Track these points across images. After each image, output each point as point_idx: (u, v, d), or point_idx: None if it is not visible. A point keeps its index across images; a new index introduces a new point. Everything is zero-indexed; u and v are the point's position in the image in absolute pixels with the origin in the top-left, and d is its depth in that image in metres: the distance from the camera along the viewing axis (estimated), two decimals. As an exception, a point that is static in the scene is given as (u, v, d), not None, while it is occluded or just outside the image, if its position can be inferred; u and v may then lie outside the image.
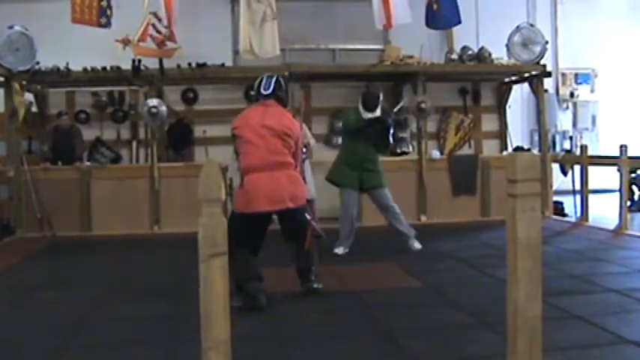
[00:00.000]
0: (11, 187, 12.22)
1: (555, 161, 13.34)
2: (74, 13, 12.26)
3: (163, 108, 12.43)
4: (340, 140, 14.44)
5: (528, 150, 14.73)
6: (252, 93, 7.39)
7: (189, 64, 12.81)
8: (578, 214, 12.41)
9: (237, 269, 6.31)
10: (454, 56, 14.02)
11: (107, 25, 12.37)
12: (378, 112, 9.57)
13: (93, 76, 12.78)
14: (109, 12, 12.36)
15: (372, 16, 13.20)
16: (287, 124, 6.96)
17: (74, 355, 5.29)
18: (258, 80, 7.12)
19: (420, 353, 5.10)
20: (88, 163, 12.66)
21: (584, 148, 12.31)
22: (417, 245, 9.81)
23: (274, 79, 7.08)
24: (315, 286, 7.12)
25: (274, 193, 6.67)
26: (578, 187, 12.43)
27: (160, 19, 12.45)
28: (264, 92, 7.01)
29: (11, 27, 11.96)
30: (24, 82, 12.25)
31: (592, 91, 18.24)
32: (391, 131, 9.59)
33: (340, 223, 9.80)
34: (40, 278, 8.43)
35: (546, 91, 14.53)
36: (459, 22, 13.80)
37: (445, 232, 11.39)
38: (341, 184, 9.72)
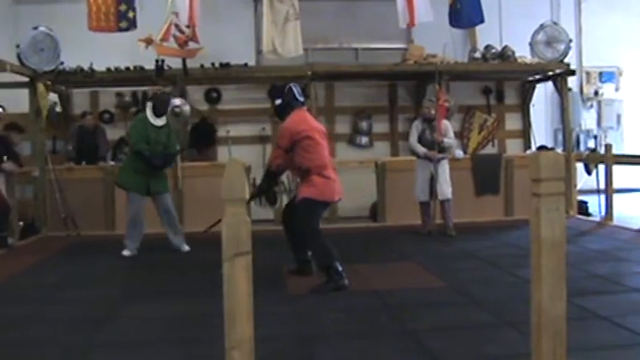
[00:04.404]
0: (36, 186, 12.31)
1: (579, 160, 13.26)
2: (91, 21, 12.37)
3: (187, 108, 12.47)
4: (363, 140, 14.49)
5: (552, 149, 14.63)
6: (280, 100, 7.74)
7: (213, 64, 12.88)
8: (603, 213, 12.32)
9: (330, 250, 7.42)
10: (477, 55, 13.98)
11: (129, 28, 12.47)
12: (164, 120, 10.12)
13: (116, 76, 12.89)
14: (130, 14, 12.43)
15: (395, 15, 13.17)
16: None
17: (96, 353, 5.33)
18: (289, 87, 7.80)
19: (444, 352, 5.09)
20: (111, 163, 12.73)
21: (608, 147, 12.22)
22: (186, 247, 10.22)
23: (300, 87, 7.94)
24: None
25: (339, 186, 7.81)
26: (602, 186, 12.35)
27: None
28: (301, 99, 7.85)
29: (36, 28, 12.07)
30: (48, 83, 12.33)
31: (617, 89, 18.07)
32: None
33: (127, 226, 10.09)
34: (64, 277, 8.50)
35: (570, 89, 14.42)
36: (482, 21, 13.76)
37: (468, 231, 11.33)
38: (129, 189, 10.00)
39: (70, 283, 8.10)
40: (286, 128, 7.65)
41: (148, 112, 9.94)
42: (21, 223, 11.85)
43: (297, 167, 7.73)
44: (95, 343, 5.59)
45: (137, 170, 9.82)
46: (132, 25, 12.51)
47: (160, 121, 9.96)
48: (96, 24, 12.43)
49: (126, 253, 9.83)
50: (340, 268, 7.33)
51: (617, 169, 12.13)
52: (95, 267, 9.23)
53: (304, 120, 7.72)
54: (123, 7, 12.43)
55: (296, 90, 7.81)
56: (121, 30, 12.52)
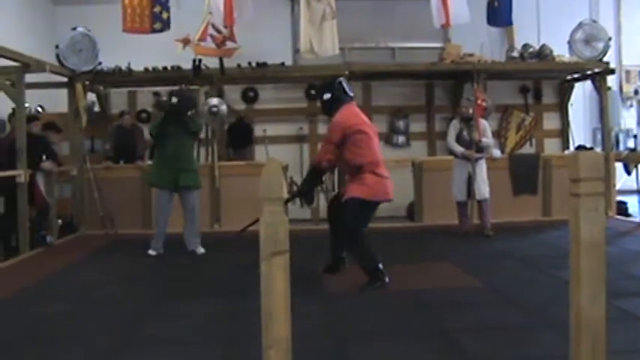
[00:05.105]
0: (74, 185, 12.45)
1: (619, 160, 13.13)
2: (125, 22, 12.51)
3: (224, 107, 12.51)
4: (400, 139, 14.46)
5: (591, 149, 14.50)
6: (330, 95, 7.72)
7: (250, 64, 12.92)
8: (643, 214, 12.21)
9: (372, 251, 7.43)
10: (515, 54, 13.90)
11: (163, 29, 12.61)
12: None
13: (154, 76, 12.99)
14: (164, 15, 12.55)
15: (431, 14, 13.12)
16: None
17: (130, 352, 5.37)
18: (339, 81, 7.78)
19: (480, 353, 5.07)
20: (149, 162, 12.78)
21: (648, 146, 12.11)
22: (202, 250, 10.04)
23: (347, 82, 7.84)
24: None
25: (392, 184, 7.66)
26: (642, 186, 12.24)
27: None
28: (351, 94, 7.75)
29: (74, 28, 12.18)
30: (87, 83, 12.45)
31: (657, 88, 17.88)
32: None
33: (155, 225, 10.19)
34: (101, 275, 8.57)
35: (609, 88, 14.28)
36: (511, 22, 13.77)
37: (506, 231, 11.24)
38: (157, 186, 10.02)
39: (107, 282, 8.17)
40: (337, 122, 7.55)
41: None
42: (60, 221, 11.98)
43: (346, 164, 7.64)
44: (130, 341, 5.64)
45: (164, 165, 9.82)
46: (166, 26, 12.63)
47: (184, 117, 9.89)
48: (130, 25, 12.56)
49: (151, 252, 9.92)
50: (382, 266, 7.37)
51: (658, 169, 12.01)
52: (132, 265, 9.32)
53: (356, 114, 7.66)
54: (157, 9, 12.55)
55: (346, 84, 7.75)
56: (154, 31, 12.64)
